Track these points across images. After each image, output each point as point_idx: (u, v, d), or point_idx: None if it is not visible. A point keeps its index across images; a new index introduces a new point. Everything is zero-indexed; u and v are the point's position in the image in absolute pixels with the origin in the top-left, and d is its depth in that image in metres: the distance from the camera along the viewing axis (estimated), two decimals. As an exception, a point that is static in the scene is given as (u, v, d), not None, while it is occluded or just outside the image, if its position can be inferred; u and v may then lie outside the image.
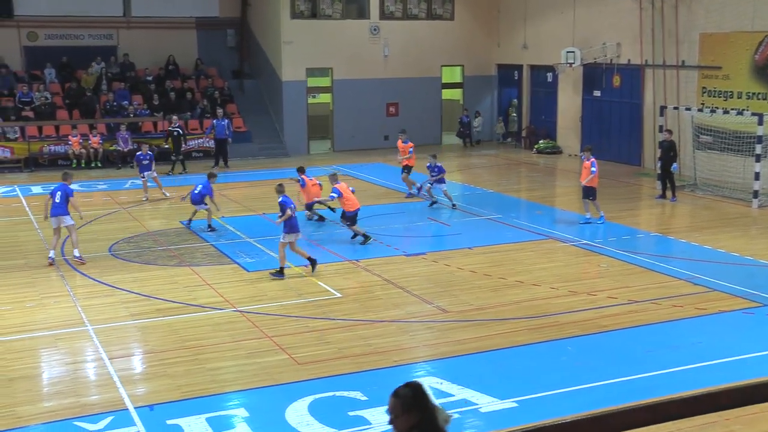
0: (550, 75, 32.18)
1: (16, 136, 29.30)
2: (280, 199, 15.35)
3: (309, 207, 19.77)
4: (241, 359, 11.29)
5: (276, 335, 12.07)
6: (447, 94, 35.67)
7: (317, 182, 20.00)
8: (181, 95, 32.38)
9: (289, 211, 15.05)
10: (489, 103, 35.70)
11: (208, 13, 34.59)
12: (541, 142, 32.07)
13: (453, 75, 35.71)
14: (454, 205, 21.41)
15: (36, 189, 24.75)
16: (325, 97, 33.94)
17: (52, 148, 28.96)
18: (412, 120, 33.99)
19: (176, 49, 33.87)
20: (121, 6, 33.24)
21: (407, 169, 23.40)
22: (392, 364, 11.06)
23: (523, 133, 33.87)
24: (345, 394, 10.04)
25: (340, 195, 17.71)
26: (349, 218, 17.83)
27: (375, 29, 33.25)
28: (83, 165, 28.70)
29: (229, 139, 29.22)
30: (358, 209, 17.97)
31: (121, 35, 33.52)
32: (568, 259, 16.75)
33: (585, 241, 17.75)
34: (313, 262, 15.42)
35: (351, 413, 9.50)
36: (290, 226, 15.17)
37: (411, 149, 23.50)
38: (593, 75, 29.90)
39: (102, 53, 33.02)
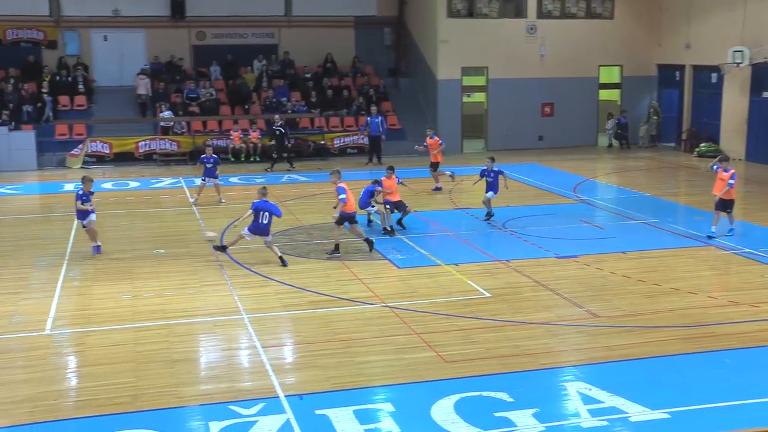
0: (714, 75, 30.89)
1: (183, 130, 30.77)
2: (257, 203, 16.09)
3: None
4: (389, 354, 11.43)
5: (424, 332, 12.16)
6: (604, 94, 34.85)
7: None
8: (338, 92, 33.08)
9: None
10: (648, 104, 34.57)
11: (366, 12, 35.20)
12: (702, 145, 30.81)
13: (611, 75, 34.86)
14: (489, 215, 19.82)
15: (199, 181, 25.85)
16: (479, 96, 33.86)
17: (215, 142, 30.21)
18: (568, 121, 33.52)
19: (334, 47, 34.64)
20: (283, 6, 34.30)
21: (434, 165, 24.50)
22: (540, 367, 10.93)
23: (683, 136, 32.66)
24: (491, 394, 10.00)
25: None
26: (347, 218, 16.96)
27: (532, 28, 32.89)
28: (242, 159, 29.82)
29: (383, 136, 29.61)
30: (355, 212, 17.07)
31: (282, 34, 34.61)
32: (729, 267, 16.04)
33: (748, 250, 16.95)
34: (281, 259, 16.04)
35: (497, 414, 9.46)
36: (255, 227, 16.04)
37: (441, 142, 24.87)
38: (763, 75, 28.47)
39: (264, 51, 34.19)
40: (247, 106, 32.05)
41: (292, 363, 11.42)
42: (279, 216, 16.32)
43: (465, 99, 33.27)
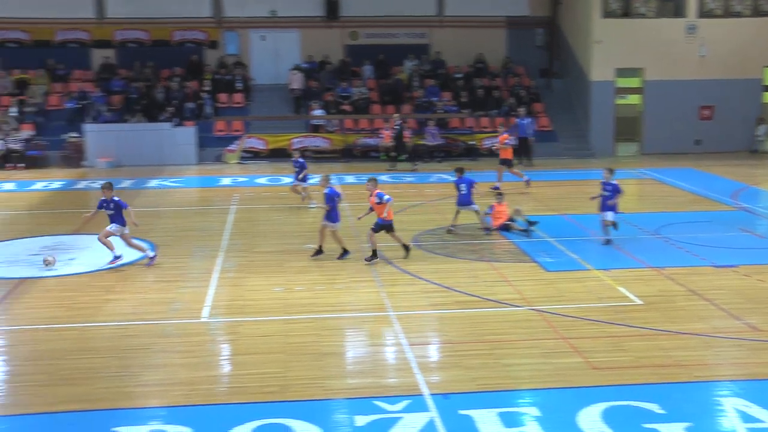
0: None
1: (335, 128, 31.39)
2: (326, 191, 16.43)
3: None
4: (535, 358, 11.28)
5: (572, 337, 11.93)
6: (770, 97, 33.24)
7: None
8: (489, 93, 32.91)
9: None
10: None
11: (518, 12, 34.88)
12: None
13: (778, 76, 33.21)
14: (607, 241, 17.54)
15: (349, 179, 26.34)
16: (633, 98, 32.93)
17: (366, 140, 30.67)
18: (727, 125, 32.12)
19: (485, 47, 34.52)
20: (435, 6, 34.44)
21: (506, 162, 24.12)
22: (694, 379, 10.51)
23: None
24: (641, 404, 9.69)
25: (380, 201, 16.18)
26: (384, 226, 16.32)
27: (692, 28, 31.68)
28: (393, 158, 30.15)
29: (531, 138, 29.25)
30: (392, 220, 16.40)
31: (434, 34, 34.74)
32: None
33: None
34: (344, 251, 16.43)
35: (646, 425, 9.16)
36: (335, 216, 16.37)
37: (507, 141, 24.32)
38: None
39: (415, 51, 34.43)
40: (399, 105, 32.36)
41: (438, 362, 11.44)
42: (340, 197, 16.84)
43: (619, 101, 32.42)
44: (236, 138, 30.77)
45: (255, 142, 30.72)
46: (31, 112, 31.16)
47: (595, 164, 29.11)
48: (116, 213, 15.92)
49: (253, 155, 30.64)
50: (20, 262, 16.34)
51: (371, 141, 30.69)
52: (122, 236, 16.01)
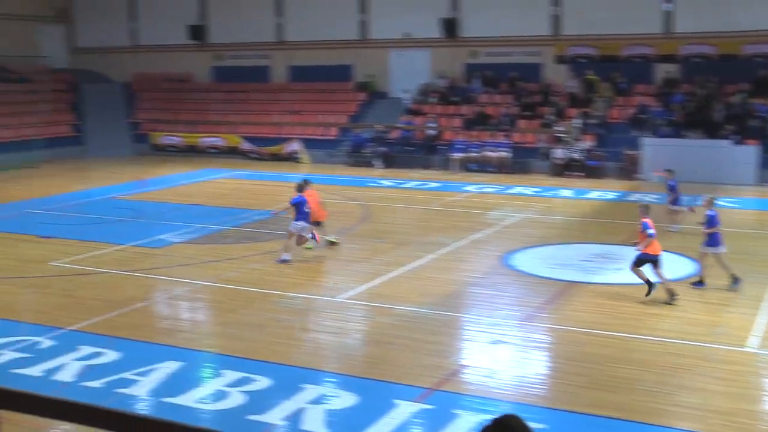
0: None
1: None
2: (708, 212, 15.19)
3: None
4: None
5: None
6: None
7: None
8: None
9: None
10: None
11: None
12: None
13: None
14: None
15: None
16: None
17: None
18: None
19: None
20: None
21: None
22: None
23: None
24: None
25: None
26: (650, 260, 14.28)
27: None
28: None
29: None
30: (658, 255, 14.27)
31: None
32: None
33: None
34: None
35: None
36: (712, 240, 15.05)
37: None
38: None
39: None
40: None
41: None
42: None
43: None
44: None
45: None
46: (594, 123, 32.53)
47: None
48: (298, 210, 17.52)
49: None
50: (571, 266, 17.17)
51: None
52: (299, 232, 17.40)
